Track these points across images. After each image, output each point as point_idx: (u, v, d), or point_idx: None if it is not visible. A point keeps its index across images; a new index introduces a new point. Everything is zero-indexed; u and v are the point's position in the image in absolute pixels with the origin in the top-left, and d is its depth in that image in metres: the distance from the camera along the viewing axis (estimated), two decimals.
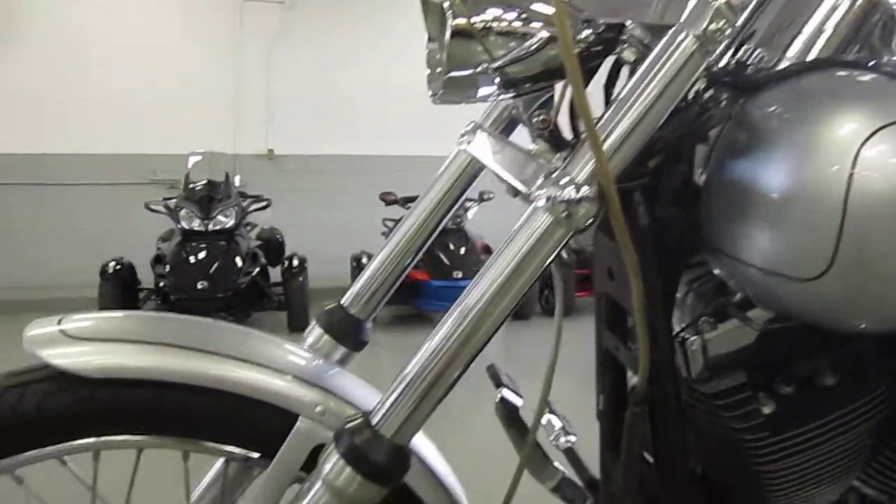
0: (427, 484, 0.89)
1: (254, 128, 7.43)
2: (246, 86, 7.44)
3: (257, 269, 5.57)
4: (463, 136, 1.04)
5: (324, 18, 7.71)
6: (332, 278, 5.90)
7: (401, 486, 0.86)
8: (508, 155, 0.90)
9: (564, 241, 0.73)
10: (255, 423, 0.84)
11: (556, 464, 1.26)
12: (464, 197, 1.07)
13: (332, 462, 0.75)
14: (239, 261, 5.43)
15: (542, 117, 0.86)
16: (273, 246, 6.11)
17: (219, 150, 6.35)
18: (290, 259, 5.66)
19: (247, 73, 7.49)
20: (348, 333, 1.01)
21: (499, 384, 1.31)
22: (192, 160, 6.07)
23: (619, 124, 0.72)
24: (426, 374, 0.74)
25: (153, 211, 5.64)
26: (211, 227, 5.47)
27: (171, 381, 0.80)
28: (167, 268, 5.30)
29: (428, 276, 5.46)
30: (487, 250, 5.89)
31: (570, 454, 1.09)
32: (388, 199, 6.05)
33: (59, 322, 0.82)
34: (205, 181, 5.78)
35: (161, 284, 5.33)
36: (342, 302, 1.03)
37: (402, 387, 0.75)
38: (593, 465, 1.05)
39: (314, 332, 1.01)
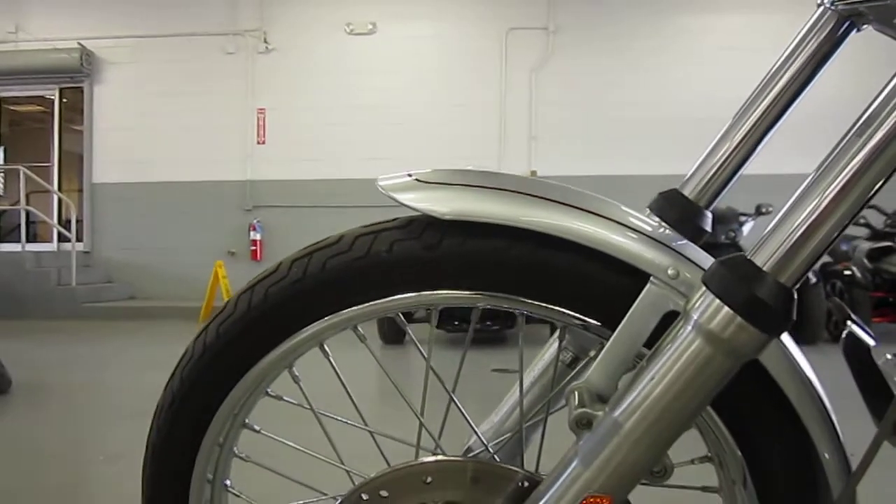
0: (789, 375, 0.76)
1: (518, 149, 7.64)
2: (511, 109, 7.69)
3: None
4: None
5: (586, 44, 7.77)
6: None
7: (760, 370, 0.75)
8: None
9: None
10: (601, 285, 0.78)
11: None
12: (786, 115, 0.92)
13: (705, 303, 0.66)
14: None
15: None
16: None
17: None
18: None
19: (512, 98, 7.74)
20: (687, 220, 0.92)
21: (846, 318, 1.13)
22: None
23: None
24: (814, 208, 0.63)
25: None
26: None
27: (522, 229, 0.76)
28: None
29: None
30: None
31: None
32: None
33: (410, 174, 0.82)
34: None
35: None
36: (678, 187, 0.94)
37: (787, 223, 0.65)
38: None
39: (649, 219, 0.93)
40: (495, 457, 0.88)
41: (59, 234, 9.77)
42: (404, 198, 0.79)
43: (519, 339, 0.85)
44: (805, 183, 0.66)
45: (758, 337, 0.65)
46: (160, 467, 0.91)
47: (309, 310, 0.83)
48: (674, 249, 0.76)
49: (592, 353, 0.81)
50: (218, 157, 9.36)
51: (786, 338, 0.77)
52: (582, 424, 0.71)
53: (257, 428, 0.92)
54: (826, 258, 6.65)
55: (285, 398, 0.91)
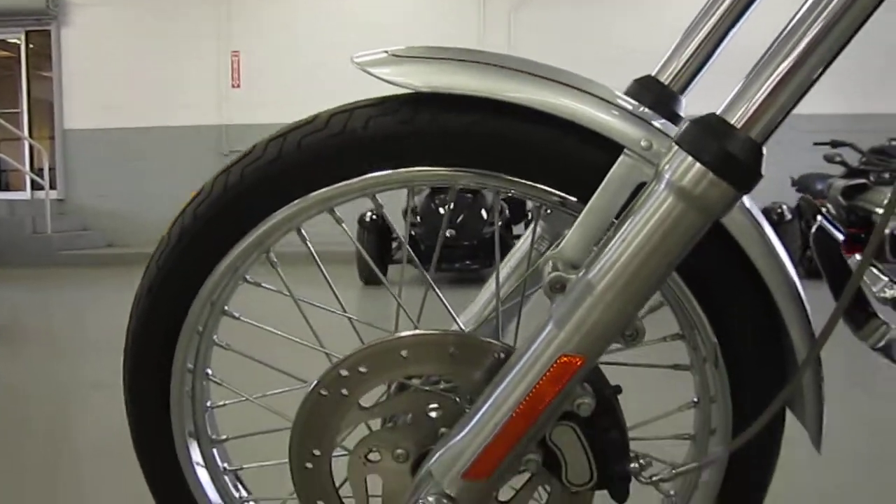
0: (756, 242, 0.78)
1: None
2: (489, 46, 7.62)
3: (501, 223, 5.67)
4: None
5: None
6: None
7: (728, 239, 0.77)
8: None
9: None
10: (578, 160, 0.78)
11: (882, 317, 1.09)
12: None
13: (677, 161, 0.67)
14: (484, 213, 5.56)
15: None
16: (515, 204, 6.18)
17: None
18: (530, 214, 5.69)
19: (490, 39, 7.66)
20: (662, 103, 0.92)
21: (816, 212, 1.15)
22: None
23: None
24: (783, 64, 0.64)
25: None
26: None
27: (499, 102, 0.76)
28: (418, 218, 5.57)
29: None
30: None
31: None
32: None
33: (386, 51, 0.81)
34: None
35: (413, 233, 5.60)
36: (654, 73, 0.95)
37: (756, 81, 0.66)
38: None
39: (624, 98, 0.94)
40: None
41: (32, 181, 9.61)
42: (380, 72, 0.78)
43: (495, 220, 0.85)
44: (775, 40, 0.66)
45: (728, 192, 0.66)
46: (140, 357, 0.92)
47: (285, 190, 0.83)
48: (648, 122, 0.77)
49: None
50: (192, 101, 9.20)
51: (752, 205, 0.78)
52: (556, 289, 0.73)
53: (237, 315, 0.93)
54: (801, 196, 6.73)
55: (264, 285, 0.92)
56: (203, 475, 0.97)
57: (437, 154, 0.80)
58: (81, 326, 4.35)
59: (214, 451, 0.98)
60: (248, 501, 1.01)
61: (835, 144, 6.59)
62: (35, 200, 9.35)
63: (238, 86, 9.18)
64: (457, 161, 0.80)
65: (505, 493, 0.87)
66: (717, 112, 0.67)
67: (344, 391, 0.83)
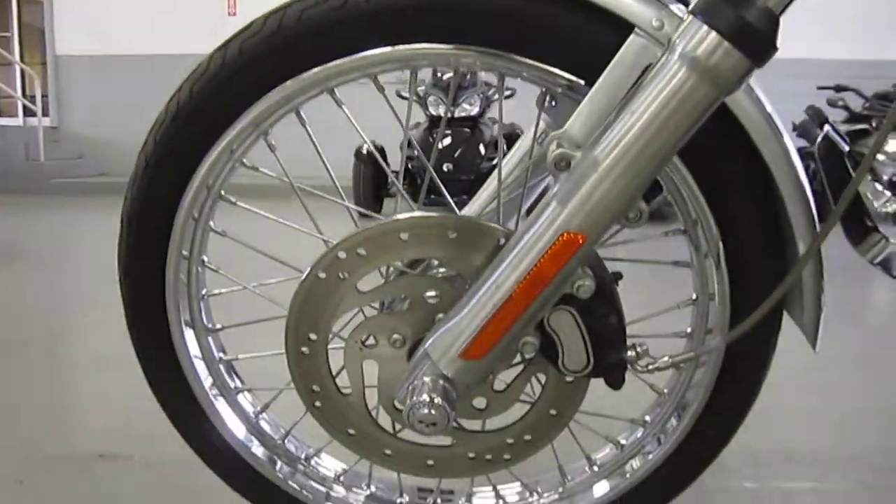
0: (761, 126, 0.76)
1: None
2: None
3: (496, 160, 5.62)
4: None
5: None
6: None
7: (734, 124, 0.75)
8: None
9: None
10: (584, 37, 0.76)
11: (882, 230, 1.09)
12: None
13: (692, 31, 0.65)
14: (482, 148, 5.50)
15: None
16: (513, 139, 6.12)
17: None
18: None
19: None
20: None
21: (823, 122, 1.14)
22: None
23: None
24: None
25: (404, 98, 5.85)
26: (457, 113, 5.58)
27: None
28: (415, 151, 5.52)
29: None
30: None
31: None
32: None
33: None
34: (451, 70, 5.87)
35: (410, 167, 5.55)
36: None
37: None
38: None
39: None
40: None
41: (25, 108, 9.45)
42: None
43: (499, 100, 0.83)
44: None
45: (743, 64, 0.64)
46: (136, 241, 0.90)
47: (282, 66, 0.80)
48: (660, 1, 0.74)
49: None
50: (188, 29, 8.99)
51: (760, 92, 0.76)
52: (560, 166, 0.71)
53: (233, 199, 0.92)
54: (802, 142, 6.68)
55: (262, 169, 0.90)
56: (199, 365, 0.97)
57: (438, 30, 0.77)
58: (78, 251, 4.33)
59: (210, 340, 0.98)
60: (242, 391, 1.01)
61: (839, 89, 6.52)
62: (28, 127, 9.21)
63: (234, 14, 8.97)
64: (460, 38, 0.78)
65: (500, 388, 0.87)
66: None
67: (342, 274, 0.83)
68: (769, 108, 0.76)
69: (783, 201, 0.78)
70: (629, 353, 0.80)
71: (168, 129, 0.84)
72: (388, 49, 0.78)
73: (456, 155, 5.37)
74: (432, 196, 5.61)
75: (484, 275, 0.76)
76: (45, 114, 9.17)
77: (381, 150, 5.90)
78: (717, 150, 0.78)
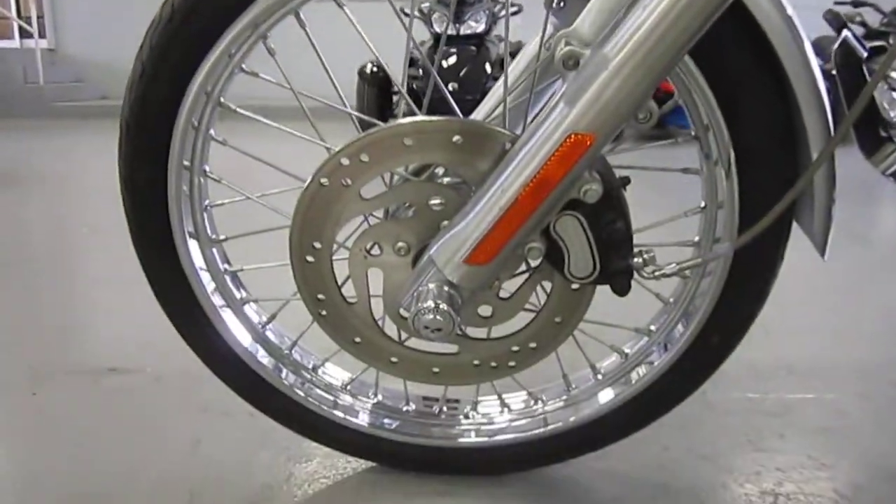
0: (776, 19, 0.73)
1: None
2: None
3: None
4: None
5: None
6: None
7: (747, 18, 0.72)
8: None
9: None
10: None
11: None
12: None
13: None
14: (488, 67, 5.39)
15: None
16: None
17: None
18: None
19: None
20: None
21: (842, 26, 1.09)
22: None
23: None
24: None
25: (406, 15, 5.71)
26: (462, 31, 5.45)
27: None
28: (419, 70, 5.41)
29: None
30: None
31: None
32: None
33: None
34: None
35: (413, 86, 5.46)
36: None
37: None
38: None
39: None
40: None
41: (21, 30, 9.26)
42: None
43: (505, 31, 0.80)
44: None
45: None
46: (136, 150, 0.89)
47: None
48: None
49: None
50: None
51: None
52: (569, 65, 0.69)
53: (233, 106, 0.90)
54: (826, 11, 6.52)
55: (262, 75, 0.88)
56: (204, 276, 0.97)
57: None
58: (80, 174, 4.31)
59: (214, 251, 0.98)
60: (248, 302, 1.01)
61: (856, 4, 6.33)
62: (25, 49, 9.03)
63: None
64: None
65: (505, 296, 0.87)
66: None
67: (345, 181, 0.81)
68: (789, 10, 0.73)
69: (798, 105, 0.76)
70: (635, 259, 0.79)
71: (164, 32, 0.82)
72: None
73: (461, 74, 5.27)
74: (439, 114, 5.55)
75: (489, 179, 0.74)
76: (41, 35, 8.98)
77: (385, 70, 5.81)
78: (730, 50, 0.76)
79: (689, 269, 0.81)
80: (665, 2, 0.64)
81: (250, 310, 1.02)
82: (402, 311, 0.84)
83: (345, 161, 0.80)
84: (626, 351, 1.00)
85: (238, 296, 1.00)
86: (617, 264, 0.78)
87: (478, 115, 0.99)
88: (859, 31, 6.18)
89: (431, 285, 0.77)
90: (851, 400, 1.31)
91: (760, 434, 1.18)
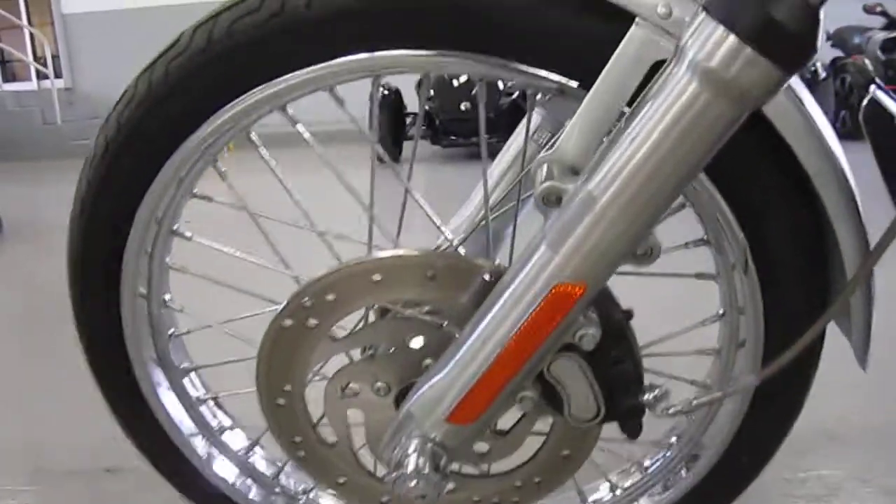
0: (801, 129, 0.63)
1: None
2: None
3: (517, 93, 5.43)
4: None
5: None
6: None
7: (764, 125, 0.62)
8: None
9: None
10: (576, 30, 0.63)
11: None
12: None
13: (705, 33, 0.51)
14: (500, 83, 5.30)
15: None
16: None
17: None
18: None
19: None
20: None
21: (869, 82, 0.97)
22: None
23: None
24: None
25: None
26: None
27: None
28: (431, 91, 5.34)
29: None
30: None
31: None
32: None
33: None
34: None
35: (427, 108, 5.39)
36: None
37: None
38: None
39: None
40: (460, 250, 0.76)
41: (38, 71, 9.35)
42: None
43: (479, 110, 0.71)
44: None
45: (771, 74, 0.50)
46: (84, 285, 0.82)
47: (222, 87, 0.68)
48: None
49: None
50: None
51: (795, 81, 0.62)
52: (550, 201, 0.59)
53: (189, 235, 0.81)
54: (836, 52, 6.32)
55: (216, 199, 0.79)
56: (173, 405, 0.88)
57: (407, 34, 0.65)
58: None
59: (184, 380, 0.89)
60: (228, 429, 0.92)
61: None
62: (42, 90, 9.13)
63: None
64: (433, 41, 0.65)
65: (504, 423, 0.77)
66: None
67: (311, 322, 0.72)
68: (812, 111, 0.62)
69: (828, 216, 0.65)
70: (646, 396, 0.68)
71: (99, 167, 0.73)
72: (344, 59, 0.66)
73: (473, 93, 5.19)
74: (452, 137, 5.47)
75: (470, 324, 0.65)
76: (57, 75, 9.07)
77: (397, 93, 5.74)
78: (743, 157, 0.65)
79: (707, 405, 0.71)
80: (659, 130, 0.54)
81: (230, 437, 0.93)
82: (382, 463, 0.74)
83: (307, 302, 0.71)
84: (646, 465, 0.89)
85: (215, 424, 0.92)
86: (625, 404, 0.68)
87: (458, 222, 0.88)
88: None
89: (413, 444, 0.68)
90: None
91: None
